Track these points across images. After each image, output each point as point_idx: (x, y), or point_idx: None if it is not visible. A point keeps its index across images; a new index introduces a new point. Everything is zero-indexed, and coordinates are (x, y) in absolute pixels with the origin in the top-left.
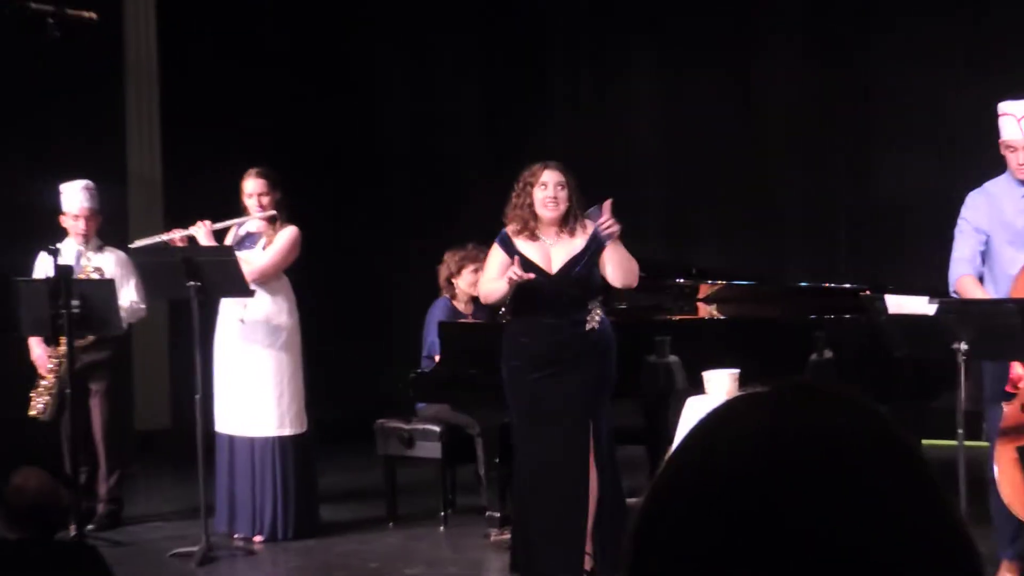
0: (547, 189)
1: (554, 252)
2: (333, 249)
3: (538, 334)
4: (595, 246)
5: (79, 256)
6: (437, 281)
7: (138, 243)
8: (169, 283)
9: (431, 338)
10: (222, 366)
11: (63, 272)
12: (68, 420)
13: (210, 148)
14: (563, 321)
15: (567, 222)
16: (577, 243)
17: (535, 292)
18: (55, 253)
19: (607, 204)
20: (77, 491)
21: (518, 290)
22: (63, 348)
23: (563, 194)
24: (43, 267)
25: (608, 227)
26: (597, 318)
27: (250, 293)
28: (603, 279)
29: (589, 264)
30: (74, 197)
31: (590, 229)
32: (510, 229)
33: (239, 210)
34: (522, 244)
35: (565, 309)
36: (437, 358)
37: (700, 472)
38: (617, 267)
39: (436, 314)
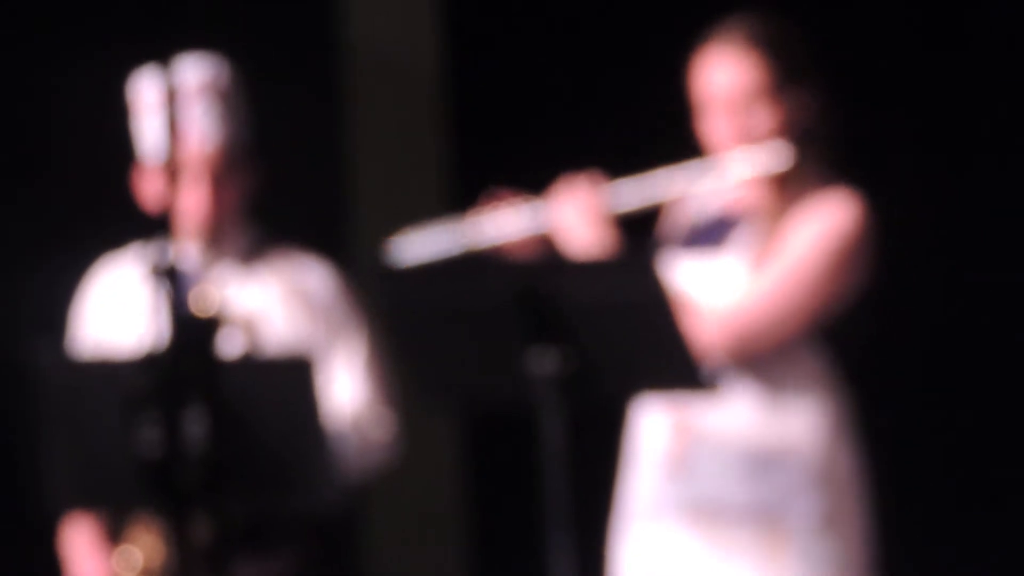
0: None
1: None
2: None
3: None
4: None
5: (193, 279)
6: None
7: (410, 249)
8: (469, 359)
9: None
10: None
11: (196, 330)
12: None
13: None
14: None
15: None
16: None
17: None
18: (165, 274)
19: None
20: None
21: None
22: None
23: None
24: (111, 317)
25: None
26: None
27: (705, 385)
28: None
29: None
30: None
31: None
32: None
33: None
34: None
35: None
36: None
37: None
38: None
39: None
